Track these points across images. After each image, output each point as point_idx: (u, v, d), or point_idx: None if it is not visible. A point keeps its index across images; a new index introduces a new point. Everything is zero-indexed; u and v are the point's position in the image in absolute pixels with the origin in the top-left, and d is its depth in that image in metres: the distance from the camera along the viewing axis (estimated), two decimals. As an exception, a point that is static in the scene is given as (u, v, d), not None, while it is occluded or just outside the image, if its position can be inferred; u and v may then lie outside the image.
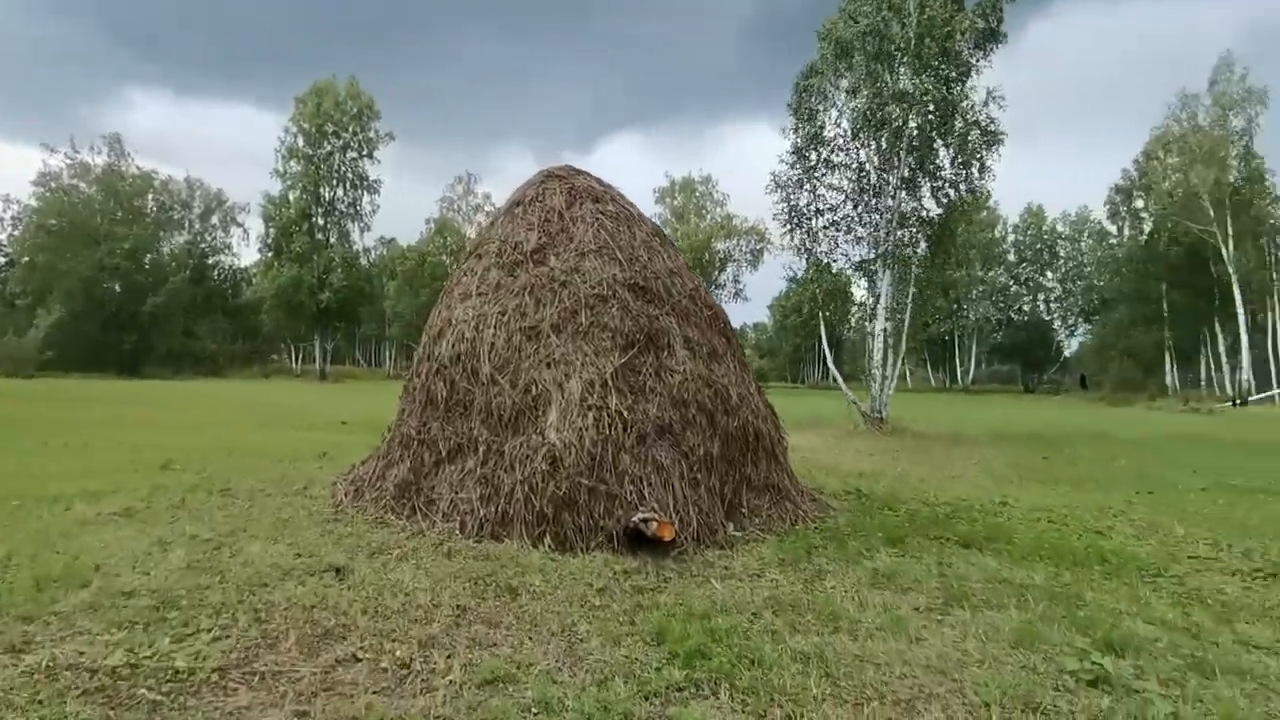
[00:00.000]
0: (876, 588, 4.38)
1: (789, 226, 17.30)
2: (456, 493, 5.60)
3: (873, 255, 16.23)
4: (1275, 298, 36.55)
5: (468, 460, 5.69)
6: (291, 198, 46.90)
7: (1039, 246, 65.32)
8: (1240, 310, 34.09)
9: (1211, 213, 34.00)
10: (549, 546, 5.10)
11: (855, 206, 16.56)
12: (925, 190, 15.90)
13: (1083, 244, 62.96)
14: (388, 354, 73.53)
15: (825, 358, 17.28)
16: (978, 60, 15.95)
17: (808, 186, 17.21)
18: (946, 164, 15.61)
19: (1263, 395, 33.76)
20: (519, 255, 6.42)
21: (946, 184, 15.66)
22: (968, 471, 9.76)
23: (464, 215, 62.67)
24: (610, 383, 5.65)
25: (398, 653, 3.22)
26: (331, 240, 48.11)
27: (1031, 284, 65.93)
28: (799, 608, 3.97)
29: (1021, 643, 3.44)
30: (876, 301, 16.23)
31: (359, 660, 3.16)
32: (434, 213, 63.47)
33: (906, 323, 16.69)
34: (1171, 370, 42.39)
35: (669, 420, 5.71)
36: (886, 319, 15.96)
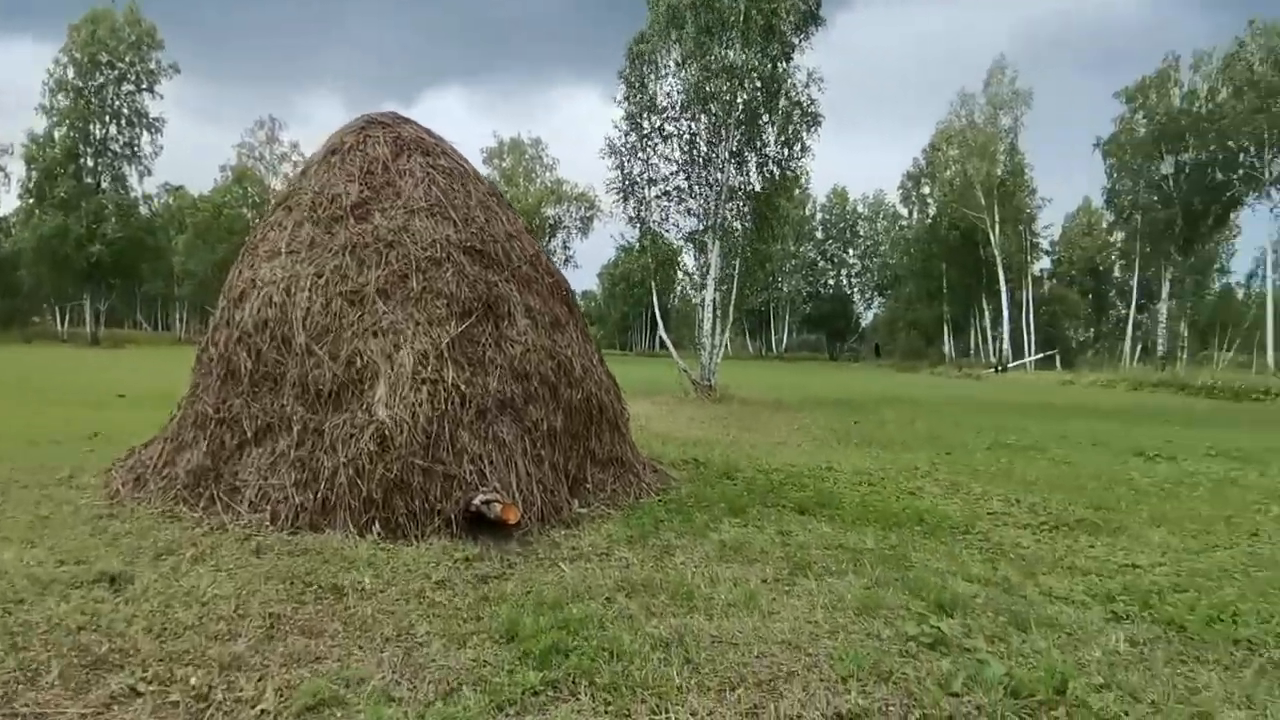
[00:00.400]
0: (725, 561, 4.38)
1: (623, 194, 17.24)
2: (266, 479, 4.92)
3: (703, 227, 16.58)
4: (1028, 278, 42.30)
5: (279, 441, 5.02)
6: (57, 136, 40.04)
7: (842, 226, 70.91)
8: (1003, 288, 39.08)
9: (983, 201, 38.50)
10: (378, 535, 4.62)
11: (686, 177, 16.78)
12: (752, 165, 16.43)
13: (879, 225, 69.20)
14: (178, 316, 65.51)
15: (657, 325, 17.51)
16: (799, 40, 16.63)
17: (641, 155, 17.21)
18: (771, 141, 16.21)
19: (1018, 362, 39.10)
20: (337, 210, 5.71)
21: (770, 160, 16.28)
22: (792, 438, 10.29)
23: (267, 165, 56.80)
24: (446, 354, 5.20)
25: (192, 680, 2.69)
26: (104, 185, 41.69)
27: (836, 260, 71.57)
28: (652, 588, 3.86)
29: (865, 610, 3.55)
30: (706, 272, 16.65)
31: (140, 694, 2.60)
32: (231, 159, 56.96)
33: (734, 293, 17.31)
34: (949, 340, 47.90)
35: (510, 394, 5.37)
36: (716, 289, 16.44)
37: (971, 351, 48.34)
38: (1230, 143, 35.39)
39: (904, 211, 54.31)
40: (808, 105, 15.71)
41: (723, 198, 16.20)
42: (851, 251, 71.68)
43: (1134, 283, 40.76)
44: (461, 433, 5.02)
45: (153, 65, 41.88)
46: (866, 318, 73.88)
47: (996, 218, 38.34)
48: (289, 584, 3.76)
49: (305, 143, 56.38)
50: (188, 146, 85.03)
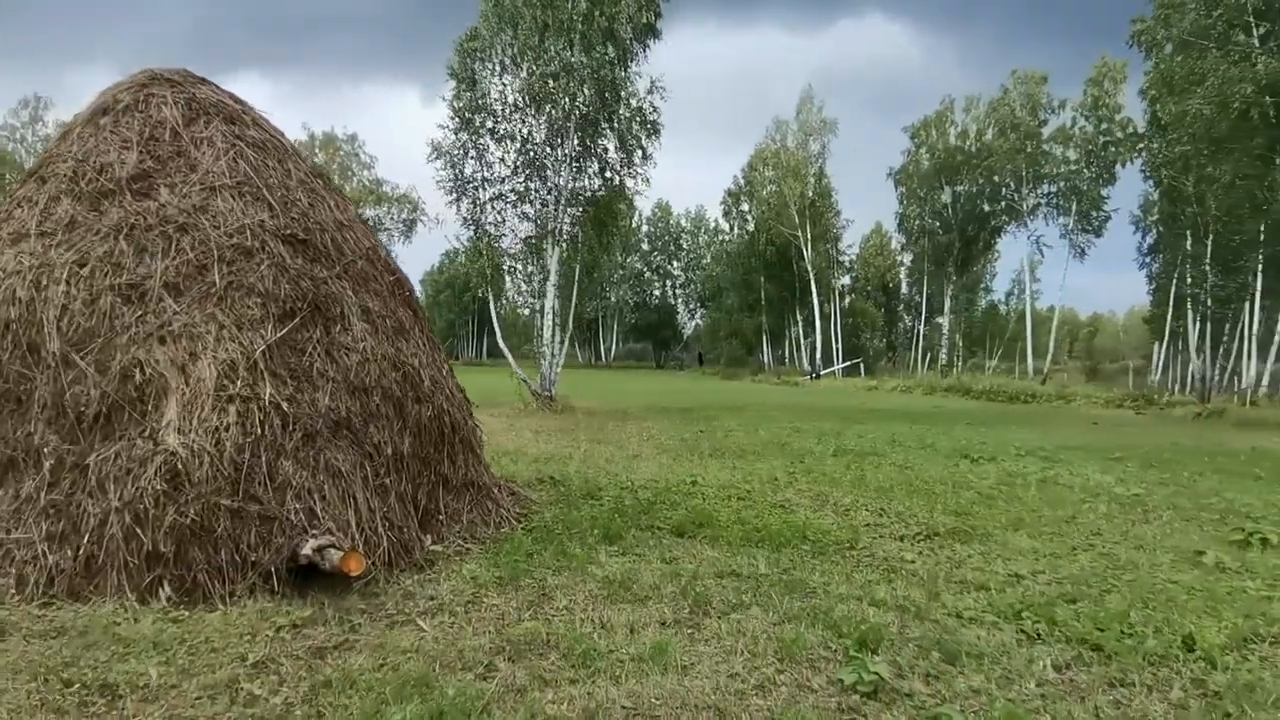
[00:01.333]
0: (614, 602, 3.81)
1: (455, 195, 16.16)
2: (7, 532, 3.66)
3: (542, 231, 15.92)
4: (836, 292, 45.77)
5: (24, 482, 3.77)
6: None
7: (667, 238, 73.03)
8: (815, 301, 41.92)
9: (796, 219, 41.10)
10: (168, 600, 3.57)
11: (525, 179, 16.06)
12: (592, 170, 16.04)
13: (701, 238, 72.04)
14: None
15: (488, 333, 16.56)
16: (638, 51, 16.54)
17: (473, 154, 16.24)
18: (611, 147, 15.93)
19: (828, 370, 42.07)
20: (108, 182, 4.49)
21: (610, 167, 15.99)
22: (644, 449, 9.93)
23: (29, 148, 48.30)
24: (261, 365, 4.20)
25: None
26: None
27: (661, 271, 73.52)
28: (538, 645, 3.21)
29: (787, 654, 3.15)
30: (545, 279, 16.00)
31: None
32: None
33: (574, 301, 16.81)
34: (767, 349, 50.63)
35: (346, 412, 4.46)
36: (555, 296, 15.83)
37: (787, 360, 51.46)
38: (995, 177, 40.50)
39: (725, 226, 56.75)
40: (649, 113, 15.61)
41: (561, 202, 15.66)
42: (675, 263, 73.97)
43: (922, 298, 45.34)
44: (284, 462, 4.05)
45: None
46: (689, 328, 76.54)
47: (809, 235, 41.05)
48: (40, 682, 2.71)
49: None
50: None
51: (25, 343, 3.95)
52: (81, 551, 3.61)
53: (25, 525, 3.67)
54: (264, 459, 3.98)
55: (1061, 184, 37.30)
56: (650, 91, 15.57)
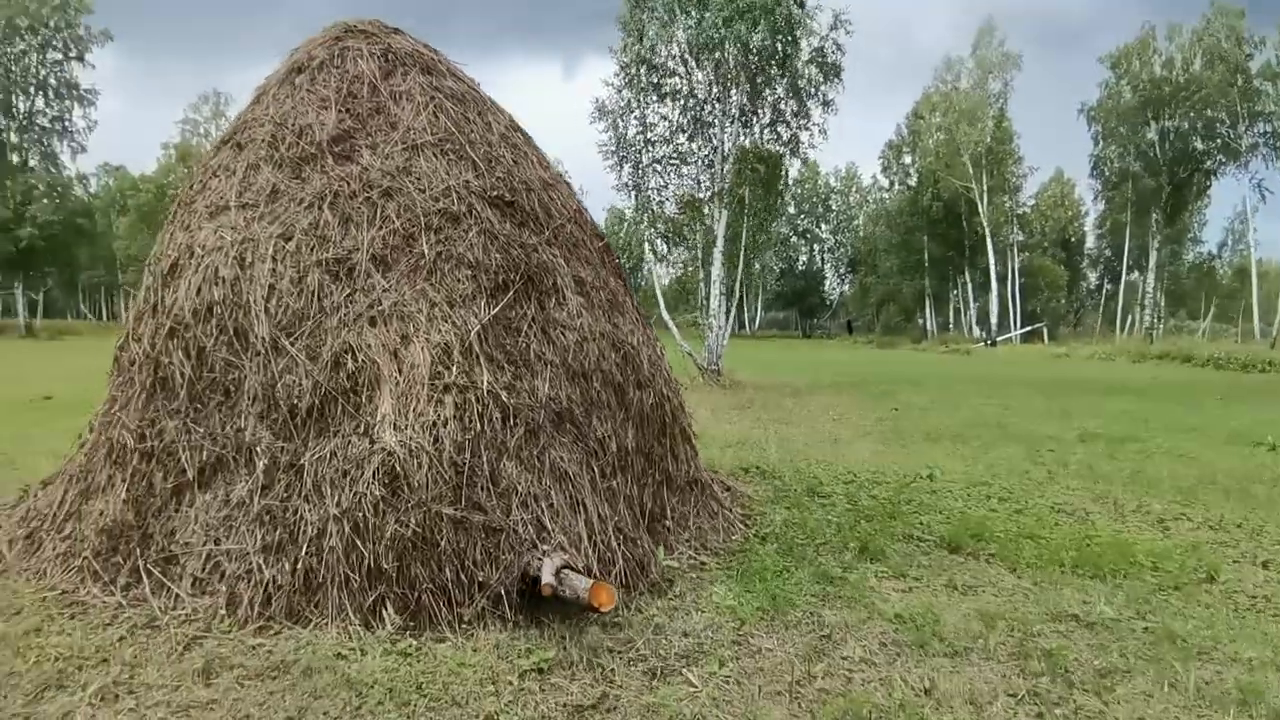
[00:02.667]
0: (925, 654, 2.91)
1: (617, 159, 15.53)
2: (217, 541, 3.30)
3: (709, 193, 14.97)
4: (1014, 249, 41.59)
5: (236, 484, 3.39)
6: None
7: (814, 199, 69.64)
8: (991, 259, 38.23)
9: (970, 169, 37.45)
10: (392, 626, 3.06)
11: (688, 137, 15.13)
12: (762, 123, 14.82)
13: (851, 197, 68.12)
14: (123, 305, 61.79)
15: (659, 304, 15.91)
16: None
17: (636, 113, 15.49)
18: (786, 95, 14.57)
19: (1004, 336, 38.39)
20: (308, 146, 4.05)
21: (781, 119, 14.68)
22: (841, 432, 8.86)
23: (212, 142, 53.38)
24: (477, 347, 3.61)
25: None
26: (31, 163, 38.38)
27: (809, 235, 70.37)
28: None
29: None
30: (711, 245, 15.08)
31: None
32: (174, 137, 53.38)
33: (740, 268, 15.83)
34: (930, 315, 47.10)
35: (567, 402, 3.81)
36: (722, 263, 14.90)
37: (951, 326, 47.67)
38: (1209, 112, 34.93)
39: (884, 182, 53.04)
40: (831, 53, 14.10)
41: (729, 161, 14.60)
42: (824, 226, 70.52)
43: (1123, 252, 40.22)
44: (506, 463, 3.45)
45: (81, 31, 38.47)
46: (837, 294, 72.96)
47: (984, 186, 37.32)
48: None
49: (255, 117, 53.01)
50: (124, 125, 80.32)
51: (232, 327, 3.57)
52: (298, 566, 3.17)
53: (237, 534, 3.28)
54: (485, 459, 3.40)
55: (1277, 123, 31.81)
56: (834, 27, 13.99)
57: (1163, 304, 41.20)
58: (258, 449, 3.39)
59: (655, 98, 15.00)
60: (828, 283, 72.44)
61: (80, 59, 38.82)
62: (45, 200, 37.25)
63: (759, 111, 14.50)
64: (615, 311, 4.45)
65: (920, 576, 3.80)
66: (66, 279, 53.02)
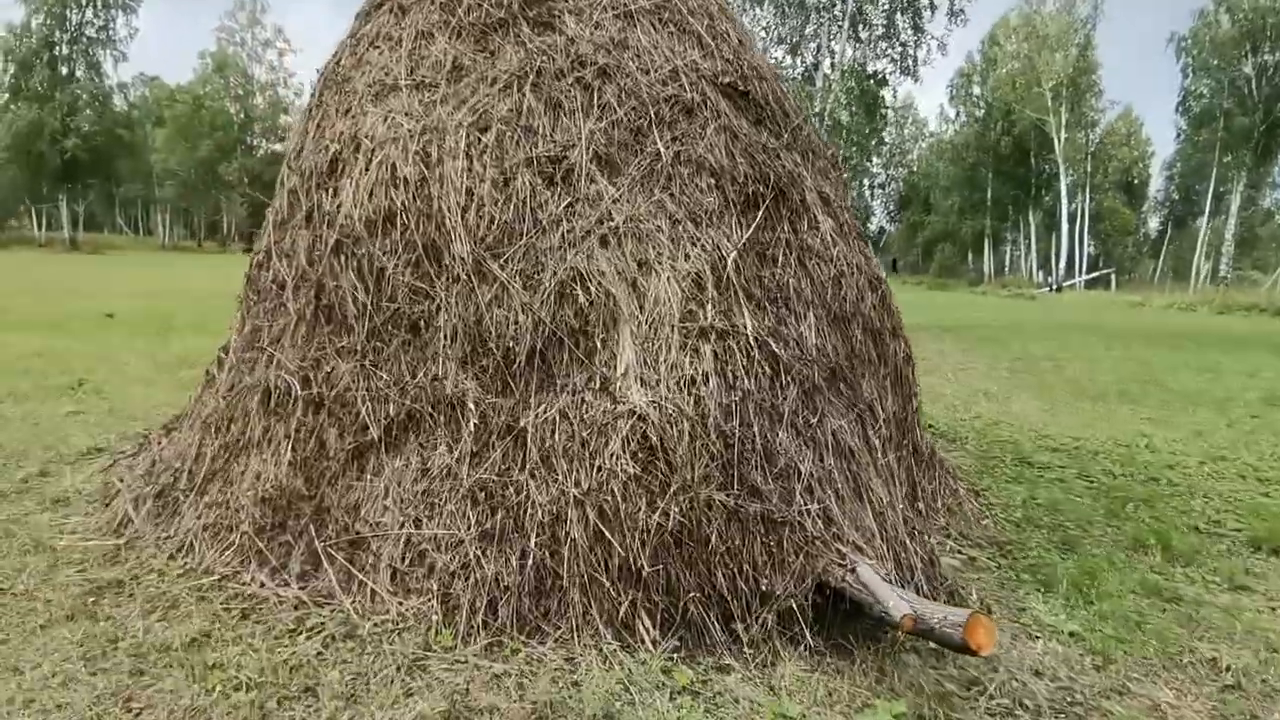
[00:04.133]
0: None
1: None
2: (418, 522, 2.55)
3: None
4: (1088, 190, 39.32)
5: (435, 448, 2.62)
6: (34, 24, 35.85)
7: (867, 130, 66.56)
8: (1064, 199, 36.13)
9: (1049, 101, 35.01)
10: (650, 642, 2.31)
11: (790, 53, 13.75)
12: (873, 36, 13.39)
13: (906, 130, 64.89)
14: (159, 220, 61.48)
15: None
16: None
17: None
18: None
19: (1068, 282, 36.62)
20: (495, 10, 3.12)
21: (895, 34, 13.21)
22: (986, 384, 7.95)
23: (250, 52, 51.66)
24: (735, 280, 2.75)
25: None
26: (78, 74, 37.53)
27: (859, 169, 67.54)
28: None
29: None
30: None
31: None
32: (211, 46, 51.79)
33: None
34: (988, 257, 45.14)
35: (834, 354, 2.96)
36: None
37: (1007, 270, 45.75)
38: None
39: (951, 113, 50.15)
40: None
41: (834, 77, 13.26)
42: (875, 160, 67.55)
43: (1207, 195, 37.77)
44: (780, 434, 2.63)
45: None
46: (881, 232, 70.39)
47: (1062, 120, 34.91)
48: None
49: (291, 26, 51.19)
50: (159, 35, 78.47)
51: (421, 243, 2.74)
52: (529, 563, 2.41)
53: (444, 514, 2.53)
54: (756, 428, 2.58)
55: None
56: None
57: (1232, 253, 38.98)
58: (464, 403, 2.60)
59: (754, 1, 13.58)
60: (874, 220, 69.97)
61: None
62: (88, 111, 36.53)
63: (870, 21, 13.05)
64: (859, 237, 3.54)
65: (1267, 591, 2.98)
66: (106, 193, 52.77)
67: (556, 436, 2.51)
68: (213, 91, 49.89)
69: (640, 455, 2.45)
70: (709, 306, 2.67)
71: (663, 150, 2.87)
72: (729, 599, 2.42)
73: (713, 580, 2.44)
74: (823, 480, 2.62)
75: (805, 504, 2.54)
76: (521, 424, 2.55)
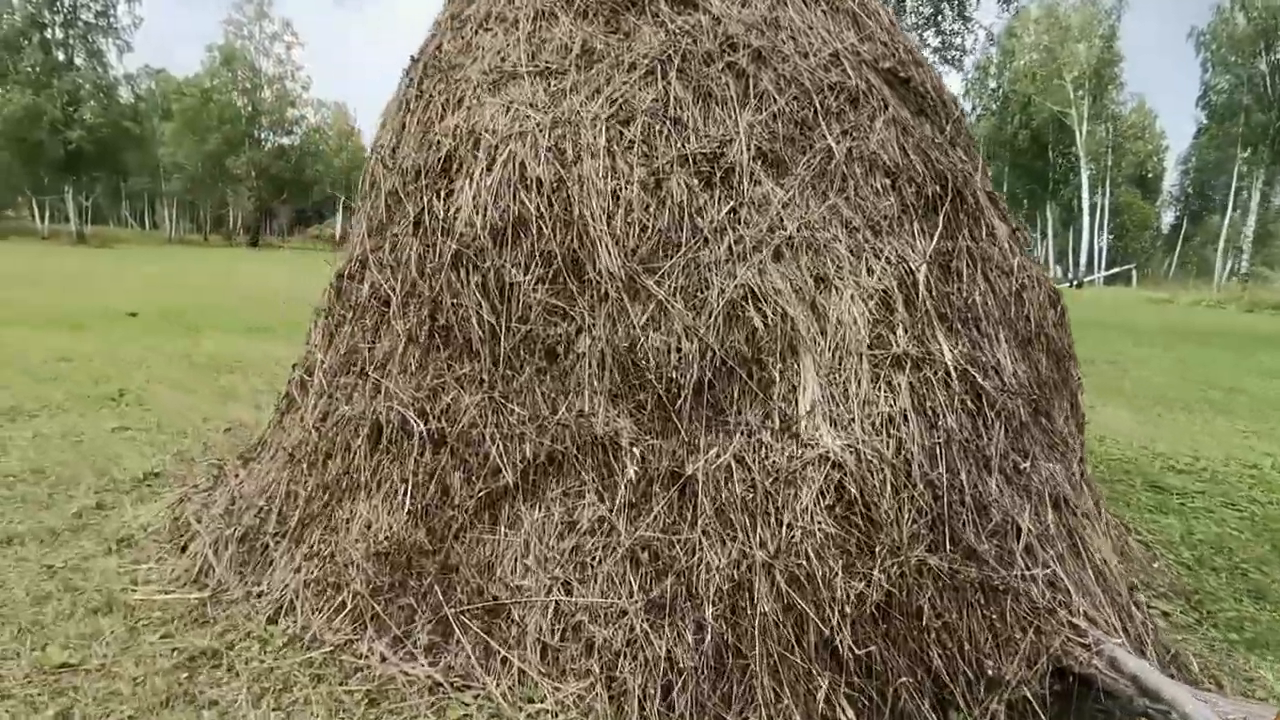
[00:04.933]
0: None
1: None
2: (568, 587, 2.16)
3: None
4: (1106, 184, 38.77)
5: (583, 497, 2.23)
6: (15, 1, 34.98)
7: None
8: (1085, 193, 35.61)
9: (1071, 93, 34.46)
10: (873, 745, 1.92)
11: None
12: (906, 24, 12.90)
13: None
14: (166, 214, 61.06)
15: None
16: None
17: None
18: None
19: (1088, 278, 36.12)
20: (627, -15, 2.71)
21: (940, 19, 12.72)
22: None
23: (257, 45, 51.09)
24: (926, 300, 2.35)
25: None
26: (78, 61, 36.92)
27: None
28: None
29: None
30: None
31: None
32: (217, 38, 51.28)
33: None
34: (1003, 251, 44.56)
35: (1024, 381, 2.56)
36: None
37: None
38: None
39: (967, 106, 49.56)
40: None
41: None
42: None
43: (1230, 190, 37.20)
44: (990, 481, 2.23)
45: (124, -82, 36.32)
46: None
47: (1083, 112, 34.35)
48: None
49: (299, 20, 50.65)
50: (166, 27, 77.89)
51: (559, 254, 2.34)
52: (709, 635, 2.02)
53: (597, 579, 2.13)
54: (963, 476, 2.18)
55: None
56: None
57: (1249, 249, 38.47)
58: (617, 445, 2.21)
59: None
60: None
61: (122, -51, 36.78)
62: (93, 102, 35.97)
63: (910, 9, 12.58)
64: (1025, 245, 3.14)
65: None
66: (112, 186, 52.35)
67: (734, 486, 2.12)
68: (220, 85, 49.38)
69: (837, 510, 2.06)
70: (900, 330, 2.27)
71: (834, 146, 2.47)
72: (947, 684, 2.03)
73: (926, 661, 2.05)
74: (1042, 537, 2.23)
75: (1027, 567, 2.15)
76: (689, 471, 2.15)
